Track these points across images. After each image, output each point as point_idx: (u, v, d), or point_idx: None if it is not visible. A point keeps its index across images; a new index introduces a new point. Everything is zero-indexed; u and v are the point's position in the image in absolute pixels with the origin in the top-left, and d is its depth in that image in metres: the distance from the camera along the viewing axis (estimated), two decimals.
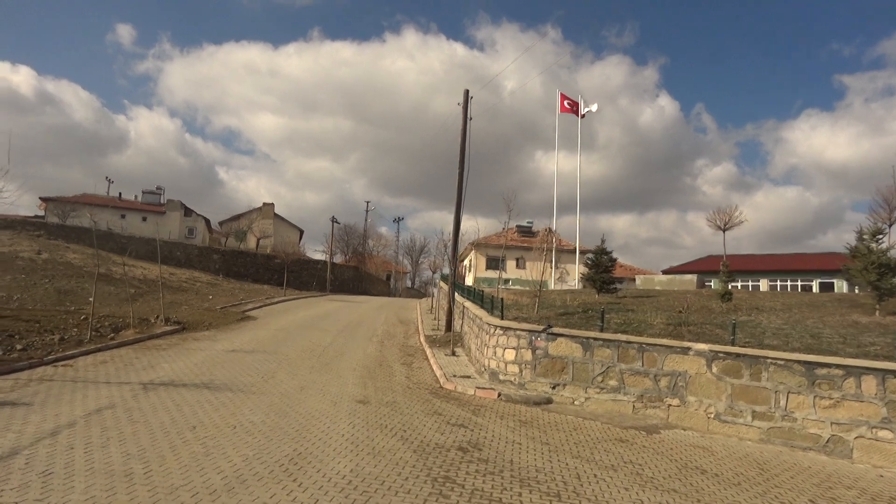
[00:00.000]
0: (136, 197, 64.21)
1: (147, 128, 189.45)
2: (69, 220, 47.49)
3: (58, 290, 30.88)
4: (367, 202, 77.84)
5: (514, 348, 13.80)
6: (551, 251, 17.56)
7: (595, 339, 12.82)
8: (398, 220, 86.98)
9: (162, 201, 61.93)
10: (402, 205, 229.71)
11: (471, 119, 21.75)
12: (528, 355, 13.52)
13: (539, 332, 13.44)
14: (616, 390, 12.44)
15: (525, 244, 62.19)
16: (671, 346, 12.04)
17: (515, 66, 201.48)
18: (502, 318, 14.52)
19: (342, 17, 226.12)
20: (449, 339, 20.20)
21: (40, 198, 55.06)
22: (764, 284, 47.01)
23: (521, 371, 13.57)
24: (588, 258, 18.35)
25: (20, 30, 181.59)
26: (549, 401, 12.79)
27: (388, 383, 13.25)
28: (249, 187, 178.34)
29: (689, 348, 11.87)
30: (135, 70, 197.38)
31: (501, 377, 13.88)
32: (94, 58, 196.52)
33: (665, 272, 50.61)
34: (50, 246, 39.65)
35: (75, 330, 16.35)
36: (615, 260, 19.01)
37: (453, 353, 17.73)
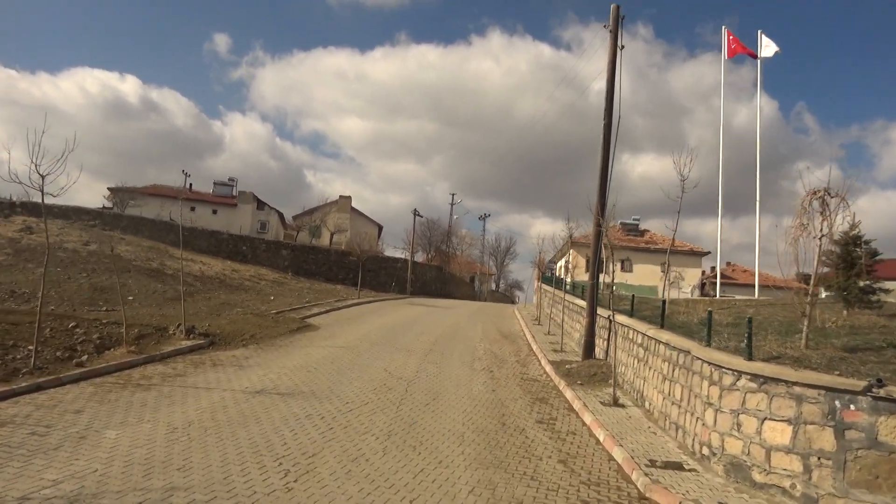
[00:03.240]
0: (213, 190, 60.49)
1: (240, 132, 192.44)
2: (128, 209, 43.59)
3: (94, 286, 26.08)
4: (452, 195, 70.88)
5: (786, 421, 6.82)
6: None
7: None
8: (484, 217, 79.50)
9: (234, 193, 57.85)
10: (484, 207, 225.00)
11: (622, 48, 14.78)
12: (823, 440, 6.53)
13: (854, 393, 6.42)
14: None
15: (632, 244, 54.31)
16: None
17: (602, 65, 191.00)
18: (750, 358, 7.51)
19: (428, 20, 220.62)
20: (592, 370, 13.32)
21: (108, 188, 51.93)
22: None
23: (808, 470, 6.58)
24: (834, 251, 11.05)
25: (127, 41, 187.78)
26: None
27: (536, 484, 6.59)
28: (335, 190, 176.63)
29: None
30: (230, 77, 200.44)
31: (758, 475, 6.94)
32: (192, 66, 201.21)
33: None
34: (102, 237, 35.46)
35: (29, 349, 10.58)
36: (877, 254, 11.57)
37: (615, 403, 10.83)
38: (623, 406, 10.71)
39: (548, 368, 14.48)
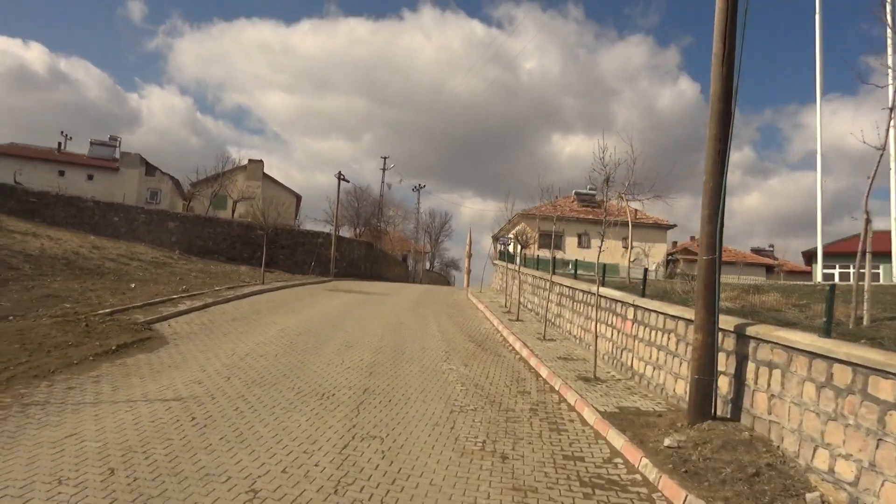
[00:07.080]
0: (89, 151, 49.41)
1: (159, 106, 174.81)
2: None
3: None
4: (385, 158, 61.15)
5: None
6: None
7: None
8: (419, 188, 70.74)
9: (116, 155, 47.36)
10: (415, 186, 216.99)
11: None
12: None
13: None
14: None
15: (590, 216, 47.67)
16: None
17: (534, 45, 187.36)
18: None
19: None
20: (741, 458, 5.80)
21: None
22: None
23: None
24: None
25: (31, 5, 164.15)
26: None
27: None
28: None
29: None
30: (145, 47, 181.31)
31: None
32: (104, 35, 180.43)
33: (807, 254, 35.93)
34: None
35: None
36: None
37: None
38: None
39: (616, 443, 6.89)
